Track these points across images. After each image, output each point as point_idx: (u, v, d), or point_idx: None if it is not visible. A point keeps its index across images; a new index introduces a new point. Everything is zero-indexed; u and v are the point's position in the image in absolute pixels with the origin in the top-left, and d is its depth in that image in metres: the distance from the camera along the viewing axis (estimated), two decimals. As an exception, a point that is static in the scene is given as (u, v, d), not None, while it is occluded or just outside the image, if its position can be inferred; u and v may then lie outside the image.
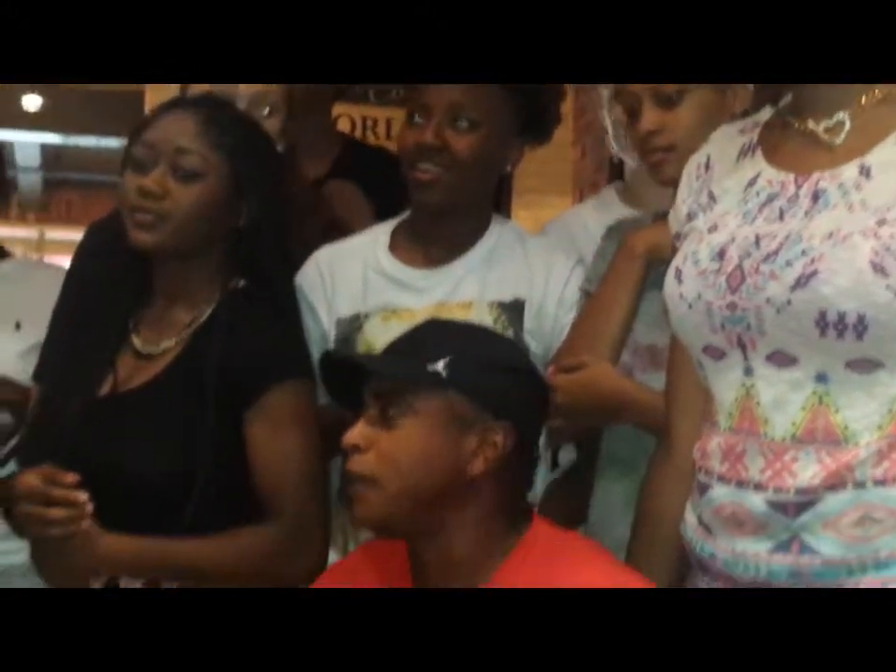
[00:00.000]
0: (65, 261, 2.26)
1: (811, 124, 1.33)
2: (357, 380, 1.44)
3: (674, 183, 1.53)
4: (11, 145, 7.11)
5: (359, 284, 1.96)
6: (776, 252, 1.27)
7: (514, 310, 1.91)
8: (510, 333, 1.87)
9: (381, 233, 2.02)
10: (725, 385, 1.33)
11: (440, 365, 1.39)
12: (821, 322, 1.23)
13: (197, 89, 1.88)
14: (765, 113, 1.43)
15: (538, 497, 1.82)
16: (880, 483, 1.24)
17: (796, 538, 1.26)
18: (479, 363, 1.42)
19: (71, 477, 1.57)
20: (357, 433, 1.40)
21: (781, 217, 1.31)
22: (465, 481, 1.38)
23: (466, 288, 1.92)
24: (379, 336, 1.86)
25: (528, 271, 1.94)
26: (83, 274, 2.03)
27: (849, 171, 1.29)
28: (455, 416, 1.39)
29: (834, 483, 1.24)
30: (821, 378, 1.26)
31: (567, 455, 2.03)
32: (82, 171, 7.80)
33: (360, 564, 1.52)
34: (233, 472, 1.65)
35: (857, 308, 1.21)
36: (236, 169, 1.71)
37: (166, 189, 1.68)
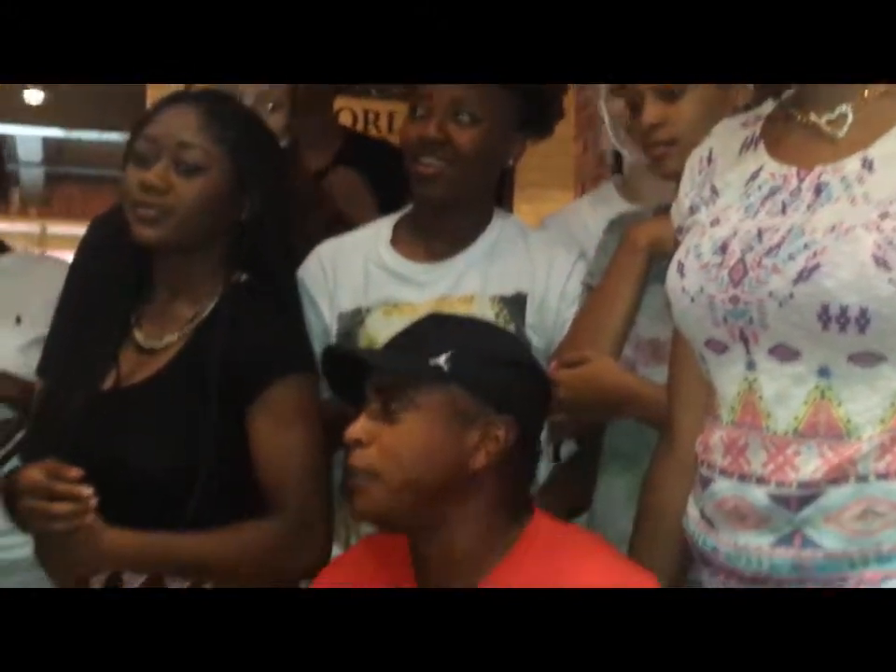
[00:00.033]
0: (67, 256, 2.26)
1: (813, 117, 1.33)
2: (358, 374, 1.45)
3: (676, 177, 1.53)
4: (13, 139, 7.12)
5: (361, 278, 1.96)
6: (778, 245, 1.27)
7: (516, 304, 1.91)
8: (511, 327, 1.87)
9: (383, 227, 2.02)
10: (727, 378, 1.33)
11: (441, 359, 1.39)
12: (824, 316, 1.23)
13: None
14: (768, 106, 1.43)
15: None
16: (882, 476, 1.24)
17: (798, 531, 1.26)
18: (481, 357, 1.42)
19: (75, 471, 1.57)
20: (359, 427, 1.40)
21: (784, 210, 1.31)
22: (467, 475, 1.39)
23: (467, 282, 1.92)
24: (381, 330, 1.86)
25: (530, 265, 1.94)
26: (86, 269, 2.03)
27: (852, 164, 1.29)
28: (457, 411, 1.39)
29: (837, 476, 1.24)
30: (824, 372, 1.26)
31: (569, 450, 2.03)
32: (84, 165, 7.80)
33: (362, 558, 1.52)
34: (236, 467, 1.65)
35: (859, 302, 1.21)
36: (238, 163, 1.71)
37: (169, 183, 1.68)
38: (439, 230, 1.96)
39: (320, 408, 1.72)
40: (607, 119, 2.30)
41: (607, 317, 1.75)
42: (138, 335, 1.76)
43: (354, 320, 1.94)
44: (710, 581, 1.35)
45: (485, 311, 1.88)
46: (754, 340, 1.29)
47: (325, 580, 1.55)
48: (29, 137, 7.18)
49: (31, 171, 7.99)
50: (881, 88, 1.31)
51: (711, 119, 1.55)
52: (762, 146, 1.39)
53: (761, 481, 1.28)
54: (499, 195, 2.13)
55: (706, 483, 1.34)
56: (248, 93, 1.98)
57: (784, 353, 1.27)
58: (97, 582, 1.65)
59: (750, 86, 1.68)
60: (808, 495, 1.25)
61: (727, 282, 1.30)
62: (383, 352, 1.51)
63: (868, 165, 1.28)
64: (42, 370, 1.97)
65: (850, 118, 1.31)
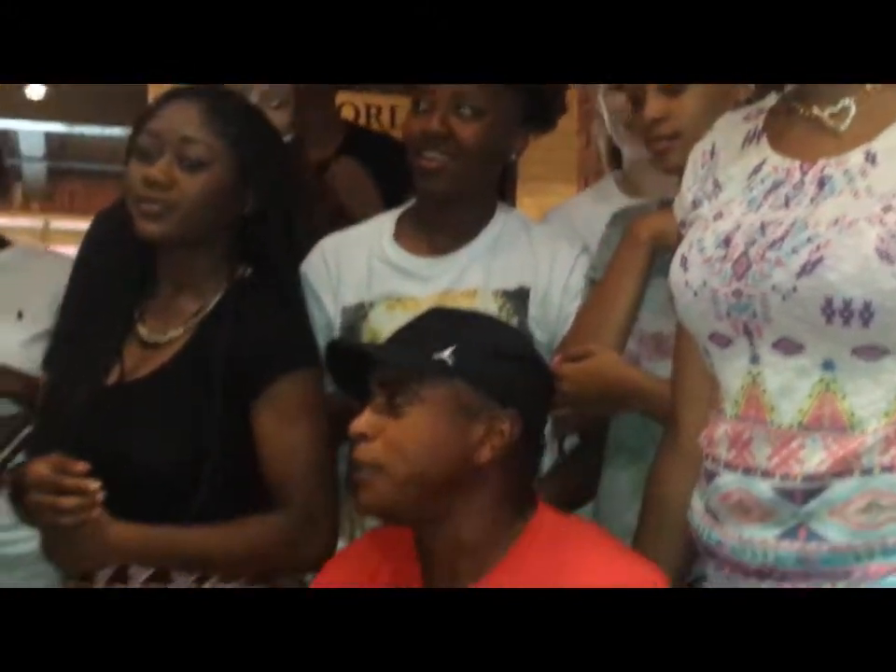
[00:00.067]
0: (70, 251, 2.26)
1: (816, 110, 1.33)
2: (362, 368, 1.45)
3: (679, 171, 1.53)
4: (16, 134, 7.11)
5: (364, 272, 1.96)
6: (781, 239, 1.27)
7: (519, 298, 1.91)
8: (514, 321, 1.87)
9: (386, 222, 2.02)
10: (731, 372, 1.33)
11: (445, 354, 1.39)
12: (827, 309, 1.23)
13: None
14: (770, 100, 1.43)
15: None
16: (887, 469, 1.24)
17: (803, 525, 1.26)
18: (484, 351, 1.42)
19: (81, 466, 1.57)
20: (363, 421, 1.40)
21: (787, 203, 1.31)
22: (472, 469, 1.39)
23: (470, 277, 1.93)
24: (384, 324, 1.86)
25: (533, 259, 1.94)
26: (89, 264, 2.03)
27: (855, 157, 1.29)
28: (462, 405, 1.39)
29: (841, 469, 1.24)
30: (828, 365, 1.26)
31: (572, 444, 2.03)
32: (86, 160, 7.80)
33: (367, 551, 1.53)
34: (241, 461, 1.66)
35: (863, 295, 1.21)
36: (241, 157, 1.71)
37: (172, 178, 1.68)
38: (442, 224, 1.96)
39: (325, 402, 1.72)
40: (606, 114, 2.30)
41: (610, 311, 1.75)
42: (142, 330, 1.76)
43: (357, 314, 1.95)
44: (715, 574, 1.36)
45: (488, 305, 1.88)
46: (758, 333, 1.29)
47: (329, 573, 1.55)
48: (31, 132, 7.17)
49: (33, 166, 7.99)
50: (884, 81, 1.31)
51: (714, 113, 1.55)
52: (764, 139, 1.39)
53: (765, 474, 1.28)
54: (502, 189, 2.13)
55: (710, 476, 1.34)
56: (253, 91, 1.99)
57: (788, 346, 1.28)
58: (104, 577, 1.65)
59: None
60: (813, 488, 1.25)
61: (730, 275, 1.30)
62: (387, 346, 1.51)
63: (871, 159, 1.28)
64: (47, 364, 1.97)
65: (853, 111, 1.31)
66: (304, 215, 1.86)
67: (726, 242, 1.32)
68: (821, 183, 1.29)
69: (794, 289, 1.24)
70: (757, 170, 1.36)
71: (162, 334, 1.74)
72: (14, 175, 7.51)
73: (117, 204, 1.81)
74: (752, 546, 1.29)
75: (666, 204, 1.68)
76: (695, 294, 1.34)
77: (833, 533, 1.25)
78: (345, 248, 2.00)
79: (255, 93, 1.98)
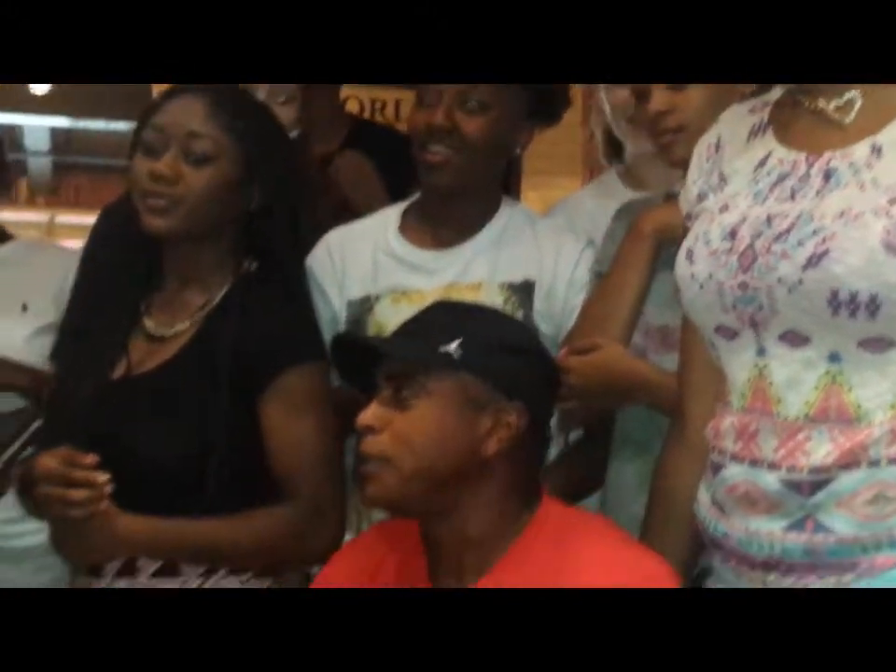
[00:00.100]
0: (76, 245, 2.26)
1: (822, 103, 1.33)
2: (368, 362, 1.45)
3: (684, 164, 1.53)
4: (20, 128, 7.11)
5: (369, 266, 1.97)
6: (787, 231, 1.27)
7: (524, 291, 1.91)
8: (519, 314, 1.87)
9: (391, 215, 2.02)
10: (738, 364, 1.33)
11: (451, 346, 1.40)
12: (833, 301, 1.23)
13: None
14: (776, 92, 1.43)
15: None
16: (894, 461, 1.24)
17: (810, 516, 1.26)
18: (490, 344, 1.42)
19: (90, 458, 1.57)
20: (370, 414, 1.41)
21: (793, 196, 1.31)
22: (479, 461, 1.39)
23: (475, 270, 1.93)
24: (389, 318, 1.87)
25: (538, 252, 1.94)
26: (96, 258, 2.03)
27: (861, 150, 1.28)
28: (469, 397, 1.39)
29: (848, 461, 1.24)
30: (834, 357, 1.26)
31: (578, 436, 2.03)
32: (92, 154, 7.79)
33: (374, 543, 1.53)
34: (247, 455, 1.66)
35: (869, 287, 1.21)
36: (247, 152, 1.71)
37: (178, 173, 1.68)
38: (447, 217, 1.96)
39: (331, 395, 1.73)
40: (608, 108, 2.29)
41: (615, 305, 1.75)
42: (148, 323, 1.76)
43: (363, 308, 1.95)
44: (721, 566, 1.36)
45: (493, 298, 1.88)
46: (764, 326, 1.29)
47: (335, 565, 1.55)
48: (36, 127, 7.17)
49: (38, 160, 7.98)
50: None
51: (719, 105, 1.55)
52: (770, 132, 1.39)
53: (772, 466, 1.28)
54: (507, 182, 2.13)
55: (717, 468, 1.34)
56: (260, 87, 1.99)
57: (794, 339, 1.28)
58: (112, 569, 1.66)
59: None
60: (820, 480, 1.25)
61: (736, 268, 1.30)
62: (393, 339, 1.51)
63: (877, 151, 1.27)
64: (54, 357, 1.98)
65: (858, 103, 1.31)
66: (309, 209, 1.86)
67: (732, 234, 1.32)
68: (827, 175, 1.29)
69: (800, 282, 1.24)
70: (762, 163, 1.36)
71: (168, 328, 1.74)
72: (19, 170, 7.51)
73: (123, 199, 1.82)
74: (759, 538, 1.29)
75: (671, 198, 1.68)
76: (701, 287, 1.34)
77: (840, 525, 1.25)
78: (351, 242, 2.00)
79: (262, 89, 1.99)
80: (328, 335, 1.76)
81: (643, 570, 1.35)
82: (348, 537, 1.75)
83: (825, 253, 1.23)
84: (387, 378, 1.42)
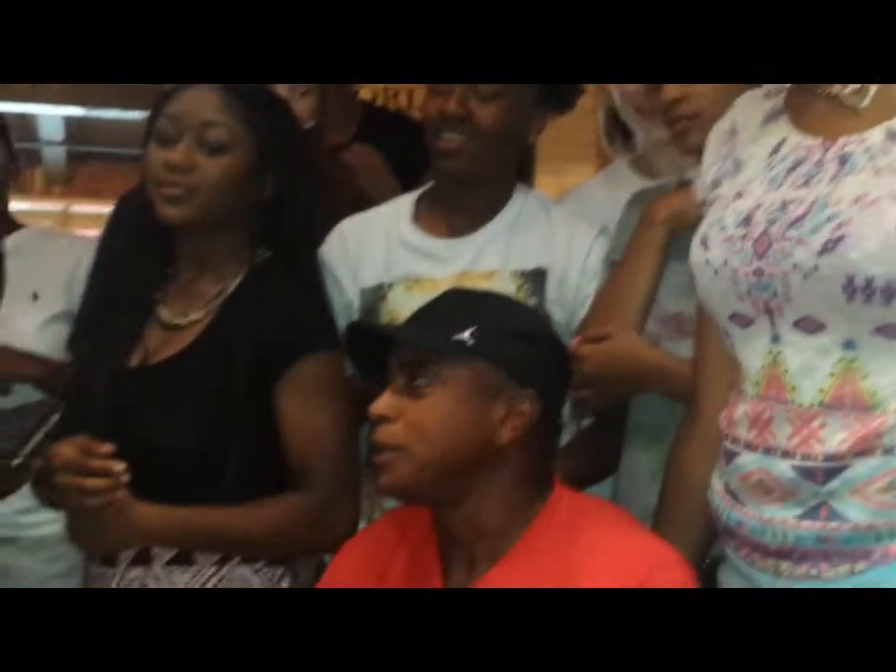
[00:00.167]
0: (91, 234, 2.26)
1: (836, 88, 1.32)
2: (381, 350, 1.45)
3: (699, 150, 1.52)
4: (35, 118, 7.12)
5: (383, 254, 1.97)
6: (802, 217, 1.27)
7: (537, 279, 1.91)
8: (532, 302, 1.87)
9: (404, 203, 2.02)
10: (752, 352, 1.33)
11: (465, 334, 1.40)
12: (849, 287, 1.22)
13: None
14: (791, 78, 1.42)
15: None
16: (909, 449, 1.24)
17: (825, 504, 1.26)
18: (503, 332, 1.42)
19: (107, 447, 1.58)
20: (384, 403, 1.41)
21: (808, 182, 1.30)
22: (493, 449, 1.39)
23: (488, 258, 1.93)
24: (402, 305, 1.87)
25: (551, 239, 1.94)
26: (111, 247, 2.04)
27: (876, 135, 1.28)
28: (482, 385, 1.39)
29: (863, 449, 1.24)
30: (849, 344, 1.25)
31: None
32: (106, 144, 7.80)
33: (385, 531, 1.53)
34: (263, 443, 1.66)
35: (885, 273, 1.21)
36: (261, 141, 1.72)
37: (193, 162, 1.68)
38: (459, 205, 1.96)
39: (346, 383, 1.73)
40: (617, 98, 2.29)
41: (628, 292, 1.75)
42: (163, 312, 1.77)
43: (376, 296, 1.95)
44: (735, 554, 1.36)
45: (506, 286, 1.88)
46: (779, 312, 1.29)
47: (348, 553, 1.55)
48: (50, 116, 7.17)
49: (53, 150, 7.98)
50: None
51: (734, 92, 1.54)
52: (785, 117, 1.38)
53: (786, 454, 1.27)
54: (521, 168, 2.12)
55: (730, 456, 1.34)
56: None
57: (809, 325, 1.27)
58: (126, 558, 1.66)
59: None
60: (834, 467, 1.25)
61: (751, 254, 1.30)
62: (406, 327, 1.51)
63: (892, 136, 1.27)
64: (71, 346, 1.98)
65: (873, 88, 1.30)
66: (323, 198, 1.86)
67: (747, 221, 1.32)
68: (842, 161, 1.29)
69: (816, 268, 1.24)
70: (777, 148, 1.36)
71: (184, 317, 1.75)
72: (34, 160, 7.52)
73: (139, 187, 1.82)
74: (773, 526, 1.29)
75: (684, 185, 1.68)
76: (716, 273, 1.33)
77: (855, 512, 1.24)
78: (364, 230, 2.00)
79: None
80: (341, 323, 1.76)
81: (654, 557, 1.35)
82: (361, 524, 1.75)
83: (840, 239, 1.22)
84: (401, 366, 1.42)
